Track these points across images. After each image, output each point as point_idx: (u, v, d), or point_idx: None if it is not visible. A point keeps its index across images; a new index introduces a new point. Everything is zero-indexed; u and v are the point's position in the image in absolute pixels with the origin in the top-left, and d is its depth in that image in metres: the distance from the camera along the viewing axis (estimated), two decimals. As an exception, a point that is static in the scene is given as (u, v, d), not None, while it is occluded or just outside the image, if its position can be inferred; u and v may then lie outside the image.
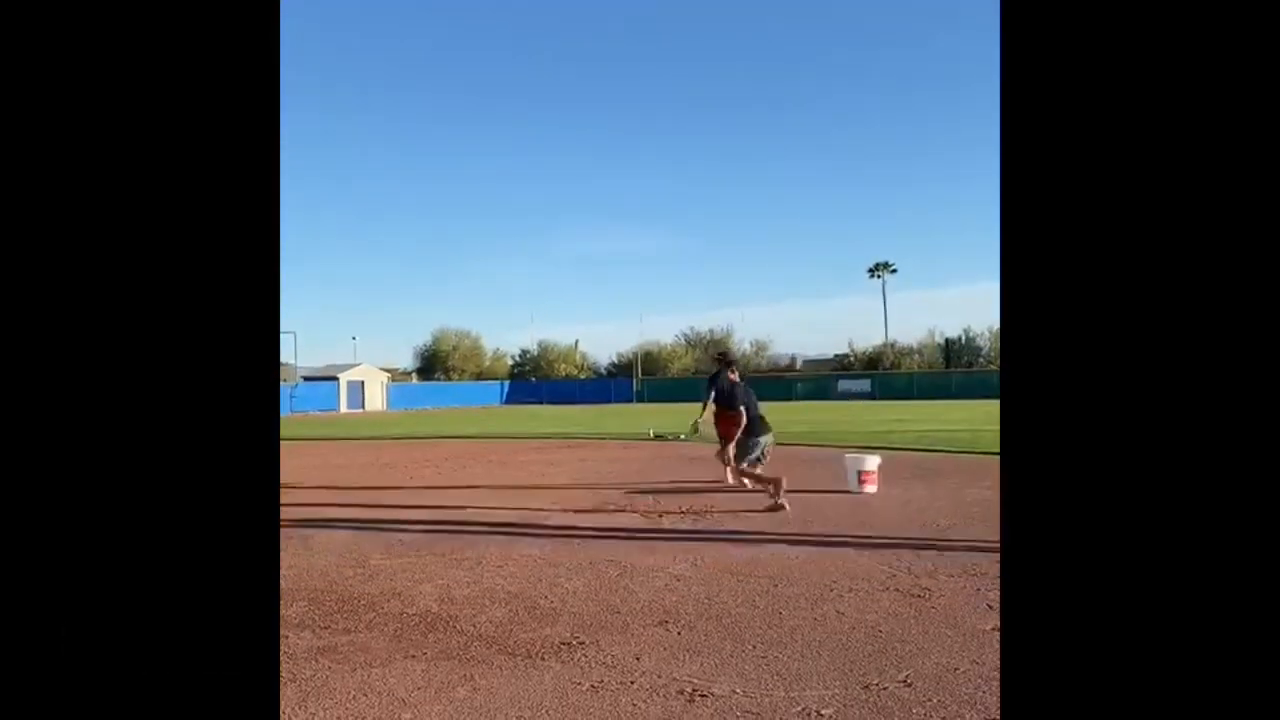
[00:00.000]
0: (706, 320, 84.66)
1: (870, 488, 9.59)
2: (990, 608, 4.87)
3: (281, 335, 58.22)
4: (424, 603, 5.23)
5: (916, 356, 64.89)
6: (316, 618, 4.94)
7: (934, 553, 6.41)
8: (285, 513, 8.73)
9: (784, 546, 6.77)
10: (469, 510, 9.05)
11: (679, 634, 4.52)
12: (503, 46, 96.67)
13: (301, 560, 6.54)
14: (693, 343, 71.64)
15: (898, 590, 5.34)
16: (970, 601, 5.08)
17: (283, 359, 54.60)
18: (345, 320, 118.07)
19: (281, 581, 5.74)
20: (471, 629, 4.67)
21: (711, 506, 9.00)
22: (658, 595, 5.30)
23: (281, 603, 5.20)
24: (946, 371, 57.80)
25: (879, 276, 71.04)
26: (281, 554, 6.66)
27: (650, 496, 9.88)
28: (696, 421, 10.75)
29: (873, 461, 9.70)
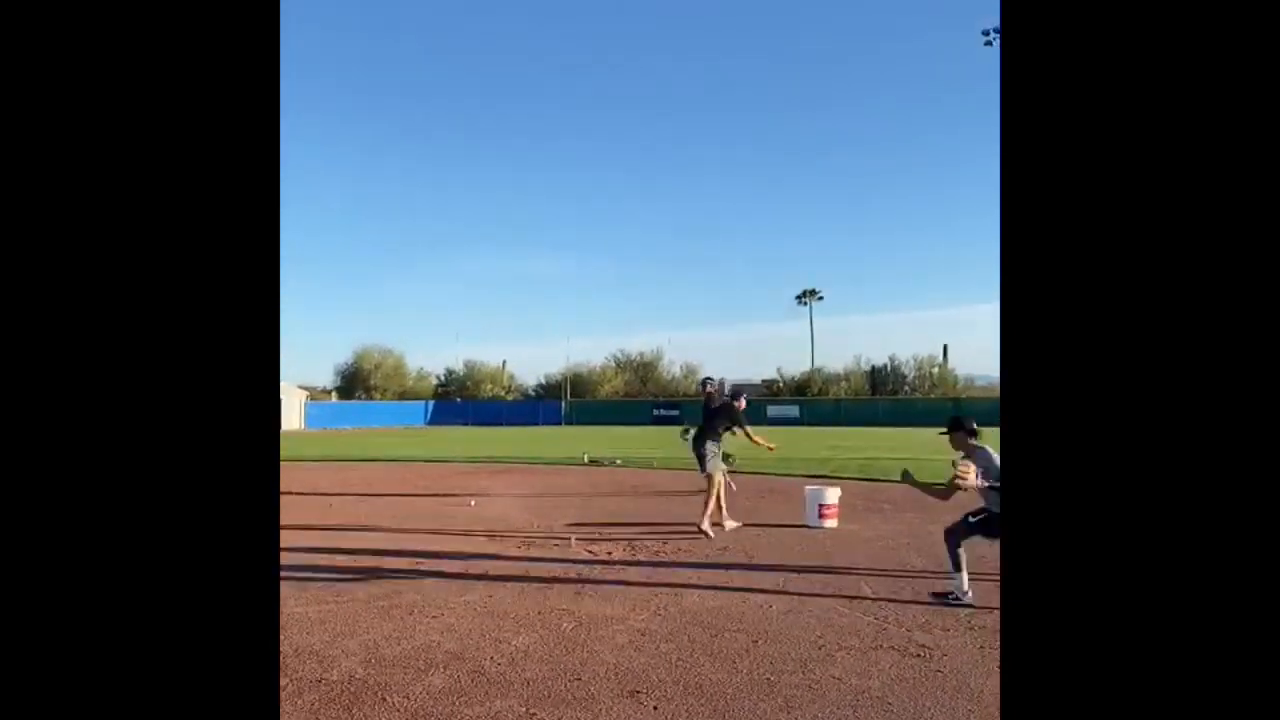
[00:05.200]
0: (635, 344, 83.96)
1: (830, 522, 9.00)
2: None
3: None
4: (347, 665, 4.41)
5: (843, 383, 65.12)
6: (215, 687, 4.08)
7: (919, 602, 5.80)
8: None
9: (751, 591, 6.09)
10: (396, 545, 8.18)
11: (655, 708, 3.81)
12: (422, 62, 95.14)
13: (201, 607, 5.62)
14: (623, 365, 70.85)
15: (894, 648, 4.71)
16: (977, 661, 4.47)
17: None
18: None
19: (175, 636, 4.85)
20: (405, 702, 3.88)
21: (663, 542, 8.29)
22: (622, 656, 4.57)
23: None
24: (873, 399, 58.16)
25: (806, 303, 71.50)
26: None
27: (595, 529, 9.13)
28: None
29: (833, 494, 9.12)
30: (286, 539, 8.56)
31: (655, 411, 54.42)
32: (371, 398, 65.12)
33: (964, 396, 52.03)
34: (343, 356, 71.46)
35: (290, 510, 11.12)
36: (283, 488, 14.08)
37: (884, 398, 58.28)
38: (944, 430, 6.11)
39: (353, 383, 68.31)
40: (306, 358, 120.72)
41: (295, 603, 5.76)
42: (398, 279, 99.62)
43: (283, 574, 6.71)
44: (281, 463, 15.74)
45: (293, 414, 50.98)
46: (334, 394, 65.82)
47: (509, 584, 6.40)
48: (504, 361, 73.10)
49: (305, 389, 55.71)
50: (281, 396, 50.67)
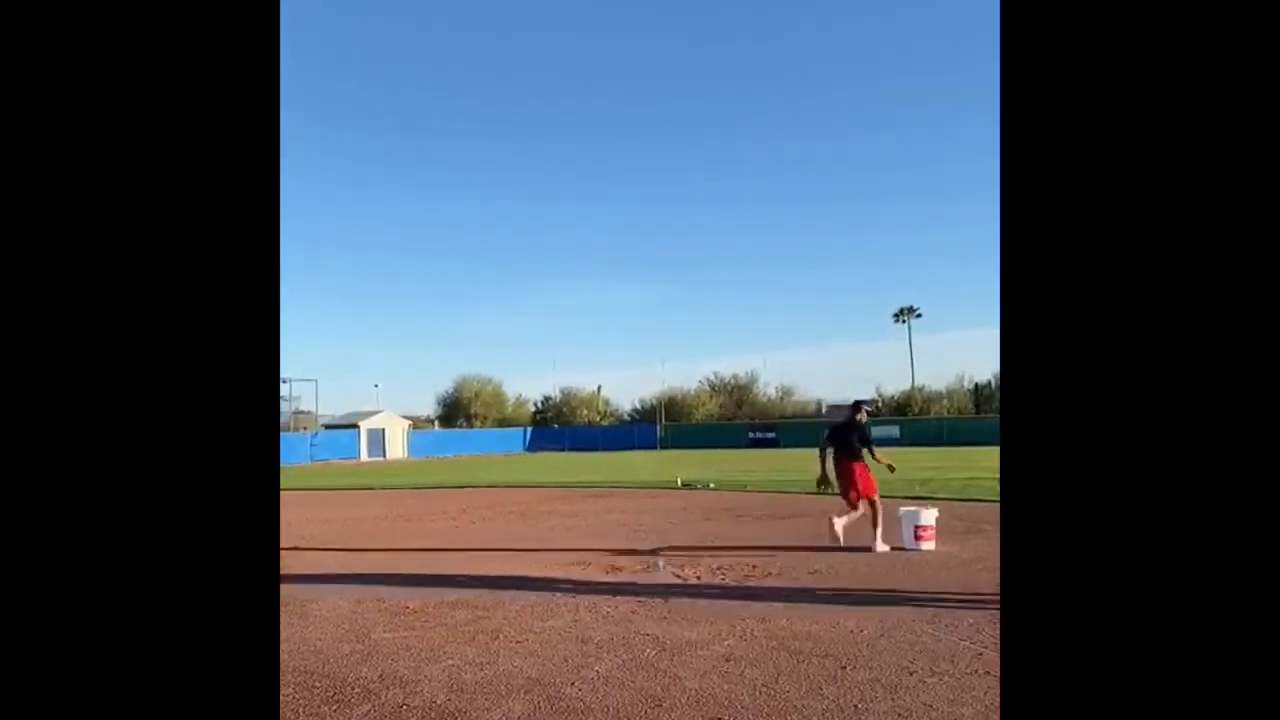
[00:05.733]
0: (729, 366, 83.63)
1: (928, 545, 8.71)
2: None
3: (303, 382, 57.68)
4: (429, 691, 4.42)
5: (945, 402, 63.46)
6: (300, 711, 4.14)
7: (1020, 625, 5.53)
8: (285, 574, 7.96)
9: (842, 615, 5.91)
10: (485, 569, 8.24)
11: (736, 736, 3.70)
12: (515, 97, 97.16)
13: (296, 633, 5.75)
14: (717, 388, 70.55)
15: (990, 674, 4.48)
16: (1081, 691, 4.21)
17: (304, 407, 54.15)
18: (368, 368, 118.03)
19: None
20: (484, 728, 3.86)
21: (753, 564, 8.15)
22: (706, 681, 4.47)
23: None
24: (977, 417, 56.34)
25: (904, 321, 70.05)
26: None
27: (684, 553, 9.04)
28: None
29: (930, 515, 8.82)
30: (382, 570, 8.73)
31: (751, 434, 53.90)
32: (472, 425, 66.35)
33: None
34: (443, 386, 72.84)
35: (385, 537, 11.36)
36: (380, 515, 14.40)
37: (989, 416, 56.52)
38: None
39: (454, 411, 69.74)
40: (409, 388, 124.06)
41: (385, 630, 5.84)
42: (495, 309, 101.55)
43: (375, 602, 6.83)
44: (385, 490, 16.19)
45: (397, 443, 52.31)
46: (435, 423, 67.26)
47: (594, 608, 6.36)
48: (599, 387, 73.57)
49: (408, 418, 57.12)
50: (390, 426, 52.18)
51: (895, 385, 67.15)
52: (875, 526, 8.92)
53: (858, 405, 9.51)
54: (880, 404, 63.50)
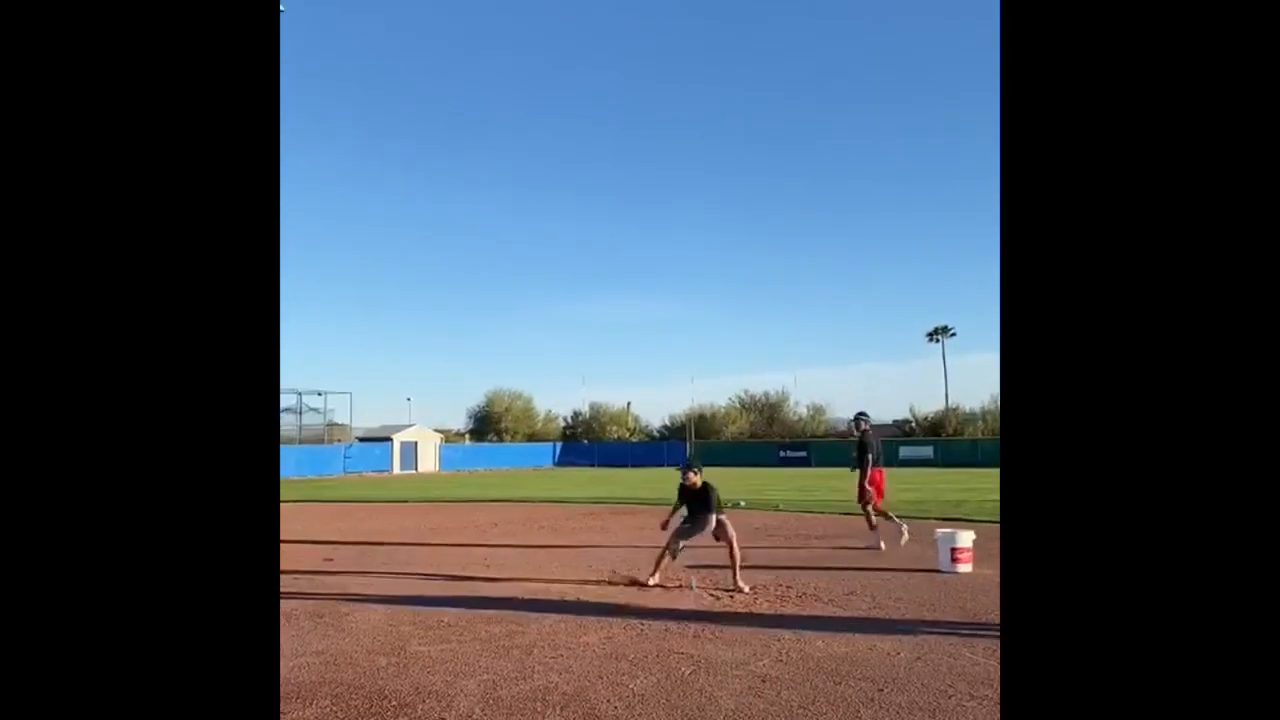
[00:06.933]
0: (760, 383, 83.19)
1: (964, 567, 8.60)
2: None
3: (337, 396, 57.93)
4: (465, 704, 4.43)
5: (980, 423, 62.76)
6: (338, 723, 4.16)
7: (1060, 651, 5.44)
8: (320, 586, 8.05)
9: (878, 638, 5.85)
10: (519, 585, 8.25)
11: (774, 758, 3.66)
12: (549, 113, 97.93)
13: (331, 644, 5.78)
14: (747, 405, 70.21)
15: (1031, 701, 4.41)
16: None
17: (338, 420, 54.54)
18: (401, 382, 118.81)
19: (305, 673, 5.00)
20: (520, 744, 3.85)
21: (788, 585, 8.08)
22: (743, 702, 4.44)
23: (301, 701, 4.45)
24: (1012, 438, 55.61)
25: (938, 340, 69.41)
26: (309, 637, 5.93)
27: (716, 571, 8.98)
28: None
29: (966, 538, 8.71)
30: (415, 581, 8.75)
31: (781, 453, 53.59)
32: (502, 440, 66.52)
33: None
34: (474, 400, 73.18)
35: (418, 550, 11.40)
36: (413, 527, 14.45)
37: (1023, 437, 55.66)
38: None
39: (484, 425, 69.94)
40: (441, 402, 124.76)
41: (420, 642, 5.86)
42: (526, 324, 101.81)
43: (409, 615, 6.86)
44: (417, 503, 16.15)
45: (429, 456, 52.59)
46: (467, 437, 67.51)
47: (628, 625, 6.34)
48: (629, 403, 73.47)
49: (440, 432, 57.42)
50: (423, 440, 52.48)
51: (929, 405, 66.47)
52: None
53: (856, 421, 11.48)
54: (914, 423, 62.95)
